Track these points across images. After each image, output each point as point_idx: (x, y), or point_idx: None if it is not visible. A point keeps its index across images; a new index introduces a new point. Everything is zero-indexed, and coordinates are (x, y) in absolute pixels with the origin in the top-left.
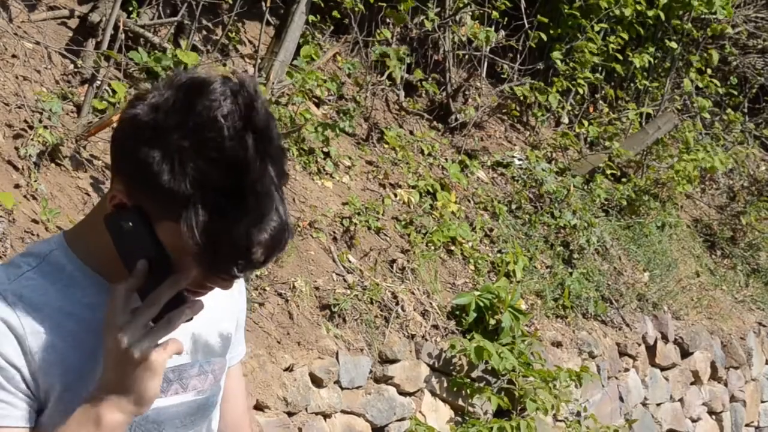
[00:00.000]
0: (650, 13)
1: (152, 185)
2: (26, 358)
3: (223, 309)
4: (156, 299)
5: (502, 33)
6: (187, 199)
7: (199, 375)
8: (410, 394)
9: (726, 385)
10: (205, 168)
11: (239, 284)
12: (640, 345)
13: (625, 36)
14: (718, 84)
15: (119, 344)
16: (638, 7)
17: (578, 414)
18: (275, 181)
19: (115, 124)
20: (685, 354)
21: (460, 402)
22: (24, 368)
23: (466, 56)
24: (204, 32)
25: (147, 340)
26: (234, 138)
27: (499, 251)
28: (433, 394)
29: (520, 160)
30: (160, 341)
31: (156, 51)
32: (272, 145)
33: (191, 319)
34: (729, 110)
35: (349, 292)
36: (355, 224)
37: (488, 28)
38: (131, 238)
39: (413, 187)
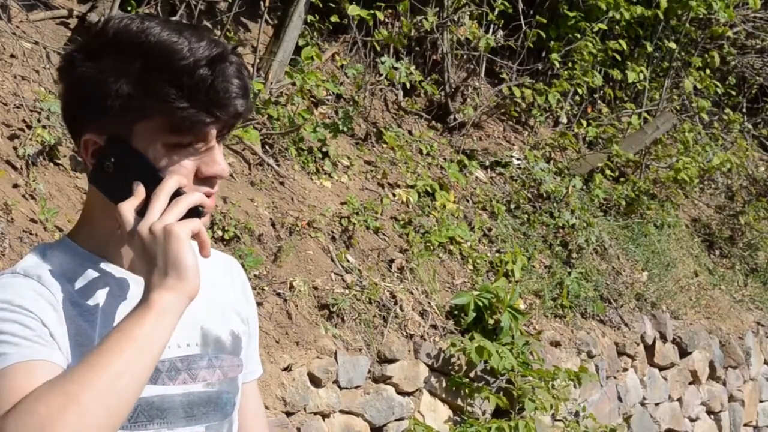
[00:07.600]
0: (648, 13)
1: (100, 103)
2: (59, 321)
3: (234, 310)
4: (160, 194)
5: (501, 33)
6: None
7: (208, 368)
8: (409, 394)
9: (724, 384)
10: (130, 56)
11: (248, 291)
12: (638, 345)
13: (624, 43)
14: (719, 84)
15: (142, 234)
16: (636, 10)
17: (577, 414)
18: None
19: None
20: (684, 354)
21: (459, 402)
22: (54, 328)
23: (465, 56)
24: None
25: (163, 219)
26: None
27: (498, 251)
28: (432, 393)
29: (518, 159)
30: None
31: None
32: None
33: (203, 211)
34: (728, 110)
35: (347, 291)
36: (354, 224)
37: (488, 35)
38: (119, 173)
39: (412, 187)
